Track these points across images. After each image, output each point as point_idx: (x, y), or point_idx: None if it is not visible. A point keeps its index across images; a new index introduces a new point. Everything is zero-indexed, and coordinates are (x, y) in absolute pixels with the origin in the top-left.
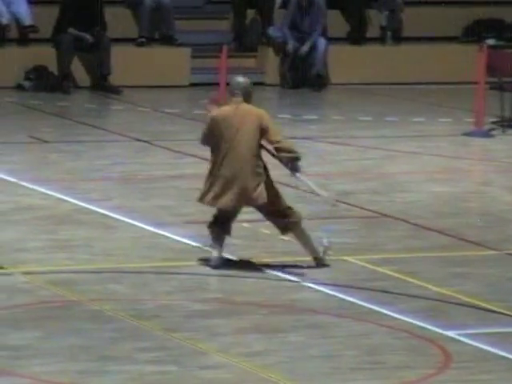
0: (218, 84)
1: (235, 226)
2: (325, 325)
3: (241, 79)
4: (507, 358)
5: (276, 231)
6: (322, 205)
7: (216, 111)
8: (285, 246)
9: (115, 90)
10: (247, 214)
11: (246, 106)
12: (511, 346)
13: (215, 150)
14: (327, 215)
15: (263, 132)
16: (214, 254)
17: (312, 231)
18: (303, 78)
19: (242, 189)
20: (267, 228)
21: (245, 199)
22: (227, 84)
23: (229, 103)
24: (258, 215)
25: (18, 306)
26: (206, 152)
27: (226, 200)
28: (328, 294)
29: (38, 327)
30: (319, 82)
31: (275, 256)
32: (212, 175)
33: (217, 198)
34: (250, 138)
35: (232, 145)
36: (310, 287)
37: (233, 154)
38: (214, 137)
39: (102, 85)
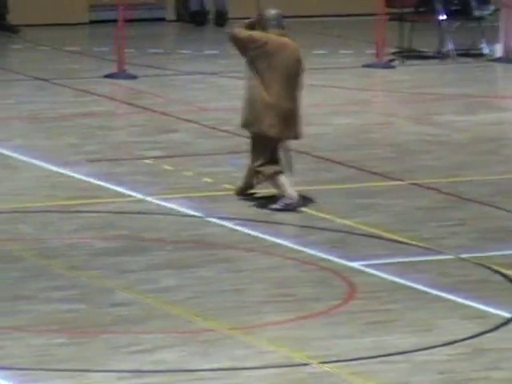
0: (116, 21)
1: (139, 163)
2: (232, 259)
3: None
4: (412, 288)
5: (181, 167)
6: (225, 140)
7: (271, 37)
8: (188, 182)
9: (13, 29)
10: (151, 150)
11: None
12: (416, 276)
13: (265, 76)
14: (233, 150)
15: (299, 65)
16: (292, 192)
17: (216, 166)
18: (202, 14)
19: (297, 122)
20: (170, 164)
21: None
22: (123, 20)
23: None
24: (161, 152)
25: None
26: (107, 89)
27: (291, 131)
28: (233, 228)
29: None
30: (221, 18)
31: (179, 192)
32: (273, 106)
33: (287, 129)
34: (296, 72)
35: (289, 78)
36: (214, 222)
37: (290, 88)
38: (265, 61)
39: None
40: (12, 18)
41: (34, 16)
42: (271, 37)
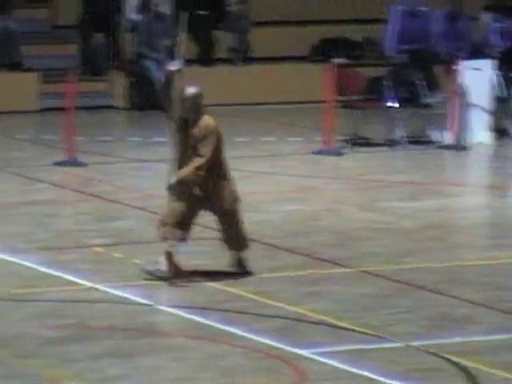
0: (67, 109)
1: (87, 251)
2: (180, 347)
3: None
4: (361, 375)
5: (130, 255)
6: None
7: (213, 121)
8: (137, 270)
9: None
10: (100, 238)
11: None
12: (364, 363)
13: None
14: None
15: None
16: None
17: (159, 254)
18: (155, 100)
19: None
20: (119, 252)
21: None
22: (73, 108)
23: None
24: (111, 240)
25: None
26: (57, 177)
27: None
28: (183, 316)
29: None
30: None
31: (128, 280)
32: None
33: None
34: None
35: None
36: (164, 310)
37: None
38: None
39: None
40: None
41: None
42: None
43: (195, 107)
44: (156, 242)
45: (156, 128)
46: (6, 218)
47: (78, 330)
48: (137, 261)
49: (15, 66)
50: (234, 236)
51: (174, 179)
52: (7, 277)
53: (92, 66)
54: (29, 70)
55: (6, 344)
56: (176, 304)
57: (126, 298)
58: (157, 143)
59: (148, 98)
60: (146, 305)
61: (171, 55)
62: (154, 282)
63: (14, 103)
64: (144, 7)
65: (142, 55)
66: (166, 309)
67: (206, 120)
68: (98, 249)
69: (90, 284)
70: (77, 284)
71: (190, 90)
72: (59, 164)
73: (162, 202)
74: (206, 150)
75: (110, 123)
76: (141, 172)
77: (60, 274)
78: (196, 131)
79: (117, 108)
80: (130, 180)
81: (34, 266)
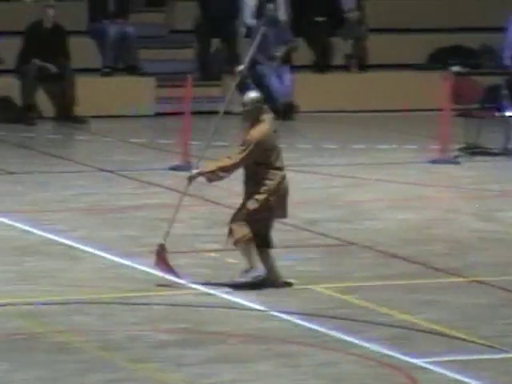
0: (182, 113)
1: (200, 256)
2: (293, 354)
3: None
4: None
5: (244, 261)
6: (288, 233)
7: (259, 133)
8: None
9: (80, 121)
10: (214, 243)
11: (268, 116)
12: (476, 373)
13: (267, 164)
14: (293, 244)
15: None
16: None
17: (278, 260)
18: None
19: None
20: (233, 257)
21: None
22: (189, 113)
23: (263, 120)
24: (224, 245)
25: None
26: (170, 181)
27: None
28: (295, 322)
29: (4, 360)
30: (287, 111)
31: (242, 285)
32: (274, 190)
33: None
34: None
35: (280, 160)
36: (277, 316)
37: (282, 169)
38: (263, 154)
39: (66, 115)
40: (79, 110)
41: (100, 108)
42: (262, 131)
43: (254, 112)
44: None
45: None
46: (120, 221)
47: (191, 335)
48: None
49: (132, 70)
50: None
51: (195, 171)
52: (120, 280)
53: (208, 71)
54: (145, 74)
55: (119, 347)
56: (289, 310)
57: (239, 304)
58: None
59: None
60: (259, 310)
61: (285, 61)
62: (267, 288)
63: (130, 107)
64: (261, 12)
65: (256, 61)
66: (279, 315)
67: (257, 128)
68: (212, 254)
69: (203, 289)
70: (190, 288)
71: (251, 95)
72: (174, 168)
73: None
74: (238, 155)
75: (225, 128)
76: None
77: (173, 278)
78: (246, 136)
79: (233, 113)
80: None
81: (147, 269)
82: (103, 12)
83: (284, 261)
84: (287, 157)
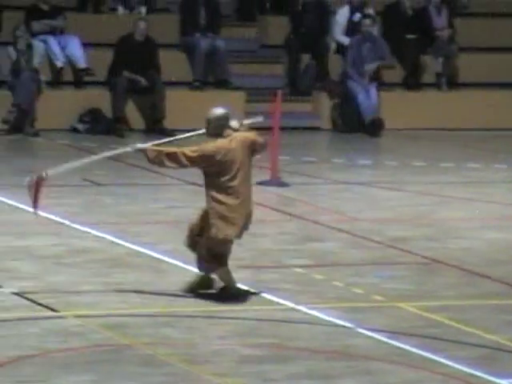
0: (271, 128)
1: (287, 272)
2: (378, 371)
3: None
4: None
5: (330, 277)
6: (374, 250)
7: (214, 144)
8: (338, 292)
9: (169, 134)
10: (300, 258)
11: (238, 136)
12: None
13: (219, 183)
14: (381, 261)
15: (253, 147)
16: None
17: (365, 277)
18: (357, 122)
19: (249, 215)
20: (319, 273)
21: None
22: (277, 128)
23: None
24: (312, 261)
25: (71, 350)
26: (258, 196)
27: (241, 230)
28: (381, 340)
29: (91, 371)
30: (375, 128)
31: (328, 302)
32: (229, 208)
33: (240, 229)
34: (248, 164)
35: (240, 177)
36: (363, 333)
37: (243, 187)
38: (218, 168)
39: (156, 128)
40: (167, 123)
41: (189, 121)
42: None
43: (218, 129)
44: (356, 265)
45: (360, 150)
46: None
47: (277, 350)
48: (337, 283)
49: (222, 84)
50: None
51: (142, 145)
52: (207, 294)
53: (298, 87)
54: (235, 88)
55: (205, 361)
56: (375, 327)
57: (325, 320)
58: (361, 166)
59: (352, 120)
60: (345, 327)
61: (374, 78)
62: (354, 305)
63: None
64: (352, 29)
65: (348, 77)
66: (365, 332)
67: (215, 141)
68: (299, 269)
69: (289, 304)
70: (277, 304)
71: (216, 112)
72: (261, 183)
73: (365, 226)
74: (189, 151)
75: (314, 144)
76: (344, 194)
77: (259, 293)
78: None
79: (322, 129)
80: (333, 202)
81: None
82: (194, 25)
83: (371, 278)
84: (374, 173)
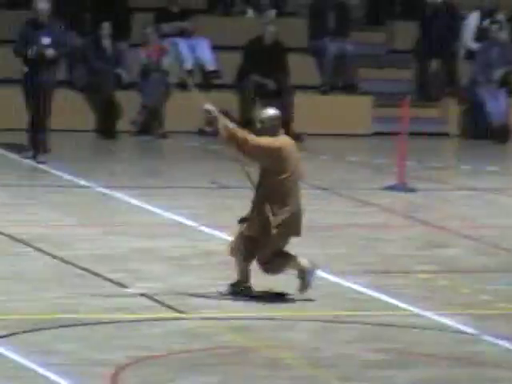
0: (399, 134)
1: (412, 277)
2: (504, 379)
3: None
4: None
5: (456, 283)
6: (501, 257)
7: (279, 142)
8: (463, 298)
9: (297, 137)
10: (425, 264)
11: (287, 137)
12: None
13: (277, 178)
14: (508, 268)
15: None
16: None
17: (492, 284)
18: (485, 128)
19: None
20: (445, 279)
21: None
22: (405, 133)
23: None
24: (437, 267)
25: (196, 351)
26: (386, 201)
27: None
28: (508, 348)
29: (216, 372)
30: (503, 134)
31: (453, 308)
32: (286, 205)
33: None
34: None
35: (295, 176)
36: (488, 340)
37: (297, 185)
38: (277, 164)
39: (284, 132)
40: (296, 127)
41: (317, 125)
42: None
43: (271, 130)
44: (482, 272)
45: (488, 156)
46: (333, 239)
47: (400, 356)
48: (462, 289)
49: (350, 88)
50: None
51: (215, 110)
52: (332, 298)
53: (426, 92)
54: (363, 93)
55: (329, 365)
56: (501, 335)
57: (450, 326)
58: (489, 172)
59: (480, 126)
60: (470, 334)
61: (503, 83)
62: (480, 312)
63: (347, 126)
64: (481, 34)
65: (476, 83)
66: (491, 339)
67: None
68: (424, 275)
69: (414, 310)
70: (401, 309)
71: (269, 112)
72: (388, 188)
73: (493, 233)
74: (253, 138)
75: (441, 150)
76: (471, 201)
77: (385, 298)
78: None
79: (450, 135)
80: (460, 208)
81: (359, 288)
82: (323, 29)
83: (497, 285)
84: (502, 180)
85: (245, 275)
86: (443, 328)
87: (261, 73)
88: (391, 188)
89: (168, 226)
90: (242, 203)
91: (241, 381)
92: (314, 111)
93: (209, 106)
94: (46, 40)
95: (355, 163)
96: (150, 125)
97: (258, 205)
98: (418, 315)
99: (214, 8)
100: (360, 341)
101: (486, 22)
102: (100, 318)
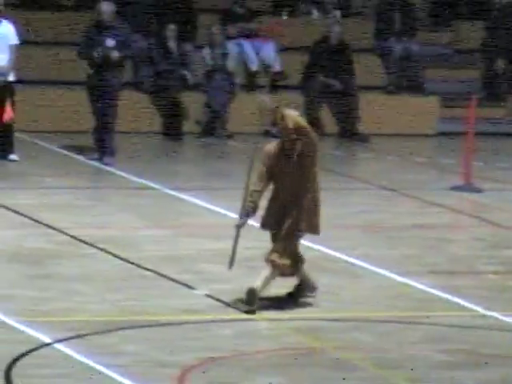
0: (465, 134)
1: (480, 278)
2: None
3: None
4: None
5: None
6: None
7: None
8: None
9: (363, 138)
10: (493, 265)
11: None
12: None
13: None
14: None
15: None
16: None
17: None
18: None
19: None
20: None
21: None
22: (472, 133)
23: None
24: (505, 267)
25: (262, 352)
26: (452, 201)
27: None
28: None
29: (283, 373)
30: None
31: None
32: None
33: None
34: None
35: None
36: None
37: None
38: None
39: (349, 132)
40: (362, 127)
41: (382, 125)
42: None
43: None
44: None
45: None
46: (400, 239)
47: (468, 357)
48: None
49: (416, 88)
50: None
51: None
52: (398, 299)
53: (493, 92)
54: (429, 93)
55: (397, 366)
56: None
57: None
58: None
59: None
60: None
61: None
62: None
63: (413, 126)
64: None
65: None
66: None
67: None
68: (491, 276)
69: (481, 310)
70: (468, 310)
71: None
72: (455, 188)
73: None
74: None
75: (508, 150)
76: None
77: (451, 299)
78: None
79: None
80: None
81: (425, 288)
82: (389, 30)
83: None
84: None
85: (307, 277)
86: (510, 328)
87: (326, 73)
88: (458, 188)
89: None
90: None
91: (308, 382)
92: (380, 112)
93: (270, 104)
94: (110, 42)
95: (422, 164)
96: (213, 125)
97: (300, 199)
98: (484, 316)
99: (279, 9)
100: (427, 342)
101: None
102: (167, 319)
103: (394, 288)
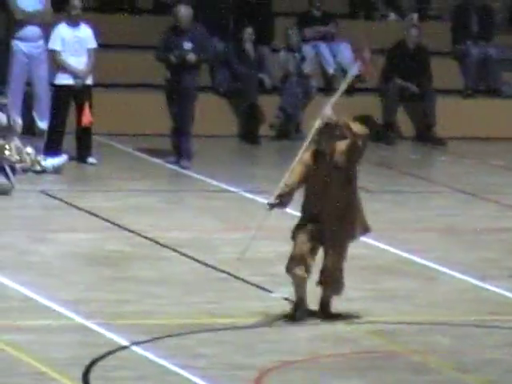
0: None
1: None
2: None
3: None
4: None
5: None
6: None
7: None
8: None
9: (440, 142)
10: None
11: None
12: None
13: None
14: None
15: None
16: None
17: None
18: None
19: None
20: None
21: None
22: None
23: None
24: None
25: (341, 355)
26: None
27: None
28: None
29: (361, 377)
30: None
31: None
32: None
33: None
34: None
35: None
36: None
37: None
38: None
39: (426, 136)
40: (438, 131)
41: (460, 129)
42: None
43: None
44: None
45: None
46: (478, 243)
47: None
48: None
49: (494, 92)
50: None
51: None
52: (477, 302)
53: None
54: (507, 97)
55: (474, 370)
56: None
57: None
58: None
59: None
60: None
61: None
62: None
63: (491, 130)
64: None
65: None
66: None
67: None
68: None
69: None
70: None
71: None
72: None
73: None
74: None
75: None
76: None
77: None
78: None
79: None
80: None
81: (503, 292)
82: (466, 33)
83: None
84: None
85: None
86: None
87: (404, 76)
88: None
89: None
90: (385, 207)
91: None
92: (457, 115)
93: (329, 113)
94: (187, 45)
95: (499, 167)
96: (287, 129)
97: (352, 204)
98: None
99: (356, 12)
100: (505, 345)
101: None
102: (244, 322)
103: (471, 291)
